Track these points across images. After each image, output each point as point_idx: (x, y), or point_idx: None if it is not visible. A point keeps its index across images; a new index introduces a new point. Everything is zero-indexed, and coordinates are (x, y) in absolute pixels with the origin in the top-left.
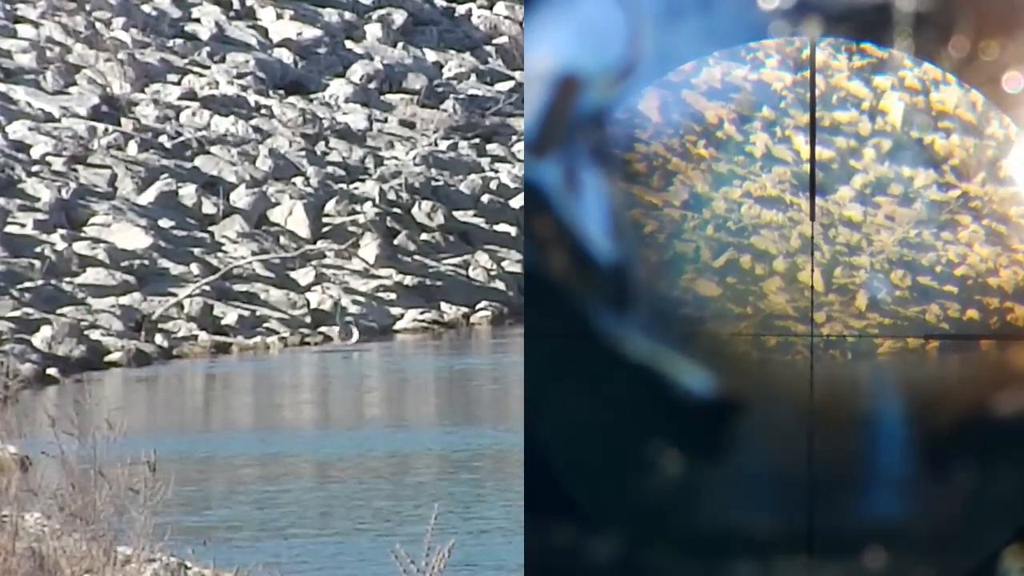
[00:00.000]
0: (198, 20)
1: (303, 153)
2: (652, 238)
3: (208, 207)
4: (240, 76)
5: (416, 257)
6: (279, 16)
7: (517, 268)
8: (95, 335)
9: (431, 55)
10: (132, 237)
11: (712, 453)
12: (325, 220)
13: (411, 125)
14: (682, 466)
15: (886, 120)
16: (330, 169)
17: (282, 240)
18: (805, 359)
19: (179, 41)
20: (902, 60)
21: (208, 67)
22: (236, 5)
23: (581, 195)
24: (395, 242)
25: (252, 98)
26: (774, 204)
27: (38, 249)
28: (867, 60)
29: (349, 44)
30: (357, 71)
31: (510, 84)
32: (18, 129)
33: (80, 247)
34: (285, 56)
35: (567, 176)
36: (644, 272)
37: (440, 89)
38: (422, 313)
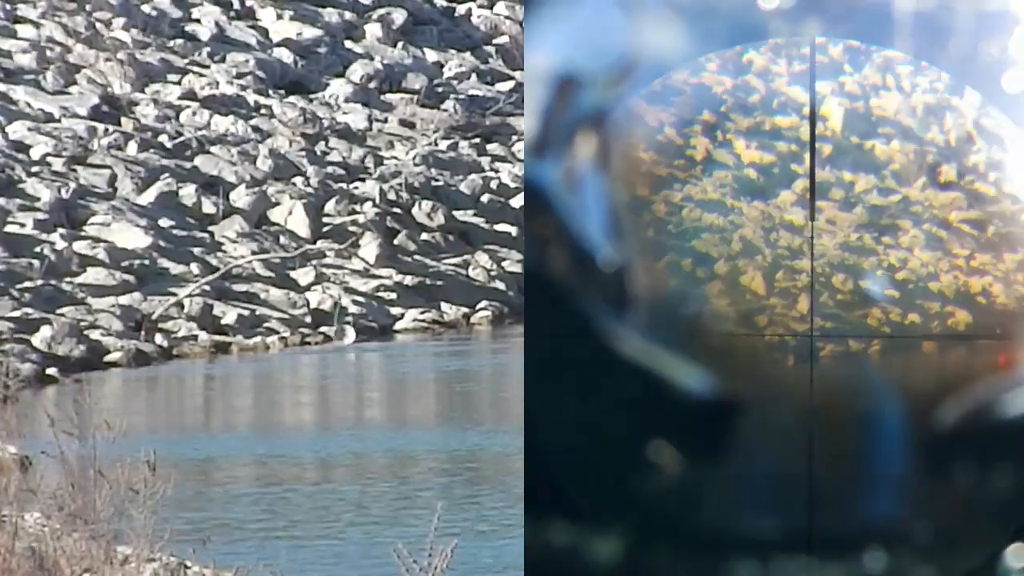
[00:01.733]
0: (198, 20)
1: (303, 153)
2: (650, 239)
3: (208, 207)
4: (240, 76)
5: (416, 257)
6: (279, 16)
7: (517, 268)
8: (95, 335)
9: (431, 55)
10: (132, 237)
11: (712, 453)
12: (325, 220)
13: (411, 125)
14: (682, 466)
15: (827, 125)
16: (330, 169)
17: (282, 240)
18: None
19: (179, 41)
20: (842, 65)
21: (208, 67)
22: (236, 5)
23: (581, 195)
24: (395, 242)
25: (252, 98)
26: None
27: (38, 249)
28: (806, 65)
29: (349, 44)
30: (357, 71)
31: (510, 84)
32: (18, 129)
33: (80, 247)
34: (285, 56)
35: (567, 176)
36: (642, 272)
37: (440, 89)
38: (422, 313)
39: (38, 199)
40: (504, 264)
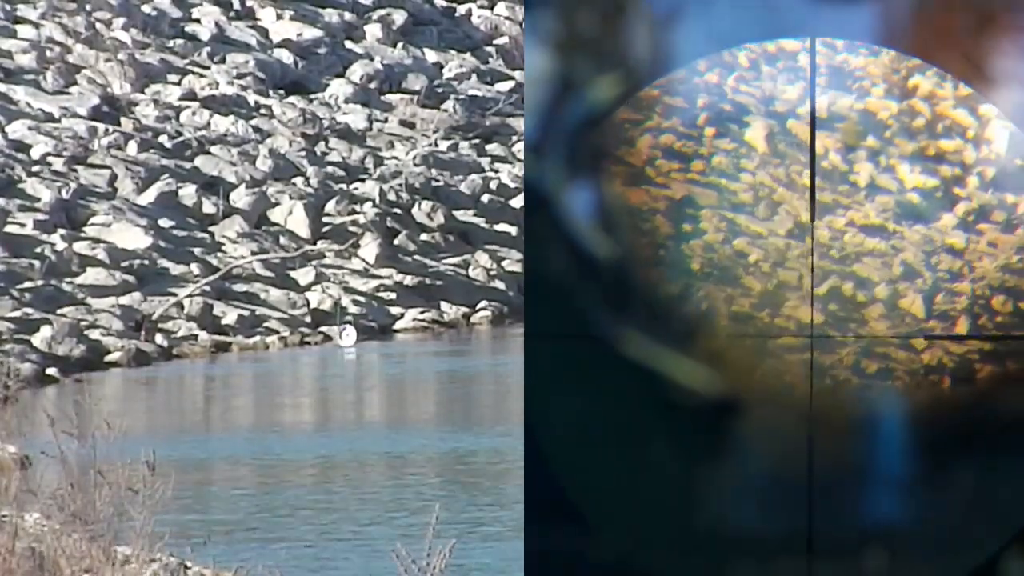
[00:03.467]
0: (198, 20)
1: (303, 153)
2: (650, 239)
3: (208, 207)
4: (240, 76)
5: (416, 257)
6: (279, 16)
7: (517, 268)
8: (95, 335)
9: (431, 55)
10: (132, 237)
11: (712, 454)
12: (325, 220)
13: (411, 125)
14: (682, 467)
15: (991, 148)
16: (330, 169)
17: (282, 240)
18: (804, 361)
19: (179, 41)
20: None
21: (208, 67)
22: (236, 5)
23: (581, 194)
24: (395, 242)
25: (252, 98)
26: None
27: (38, 249)
28: (971, 89)
29: (349, 44)
30: (357, 71)
31: (510, 84)
32: (18, 129)
33: (80, 247)
34: (285, 56)
35: (567, 176)
36: (642, 273)
37: (440, 89)
38: (422, 313)
39: (38, 199)
40: (504, 264)
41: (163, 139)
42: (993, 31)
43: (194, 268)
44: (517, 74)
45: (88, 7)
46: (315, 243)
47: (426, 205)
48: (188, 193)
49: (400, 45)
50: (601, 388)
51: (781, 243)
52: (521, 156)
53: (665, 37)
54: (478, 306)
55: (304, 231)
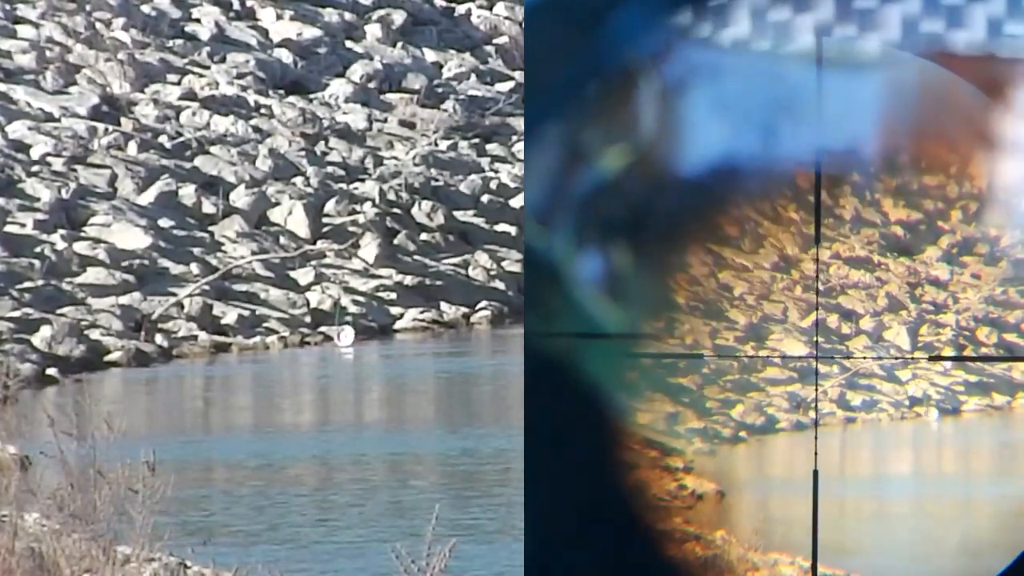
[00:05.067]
0: (198, 20)
1: (303, 153)
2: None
3: (208, 207)
4: (240, 76)
5: (416, 257)
6: (279, 16)
7: (517, 268)
8: (95, 335)
9: (431, 55)
10: (132, 237)
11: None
12: (325, 220)
13: (411, 125)
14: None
15: (973, 183)
16: (330, 169)
17: (282, 240)
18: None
19: (179, 41)
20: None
21: (208, 67)
22: (236, 5)
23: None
24: (395, 242)
25: (252, 98)
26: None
27: (38, 249)
28: None
29: (349, 44)
30: (357, 71)
31: (510, 84)
32: (18, 129)
33: (80, 247)
34: (285, 56)
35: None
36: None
37: (440, 89)
38: (422, 313)
39: (38, 199)
40: (504, 264)
41: (163, 139)
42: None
43: (194, 268)
44: (517, 74)
45: (88, 7)
46: (315, 243)
47: (426, 205)
48: (188, 193)
49: (400, 45)
50: (601, 388)
51: (767, 276)
52: (521, 156)
53: (674, 106)
54: (478, 306)
55: (304, 231)
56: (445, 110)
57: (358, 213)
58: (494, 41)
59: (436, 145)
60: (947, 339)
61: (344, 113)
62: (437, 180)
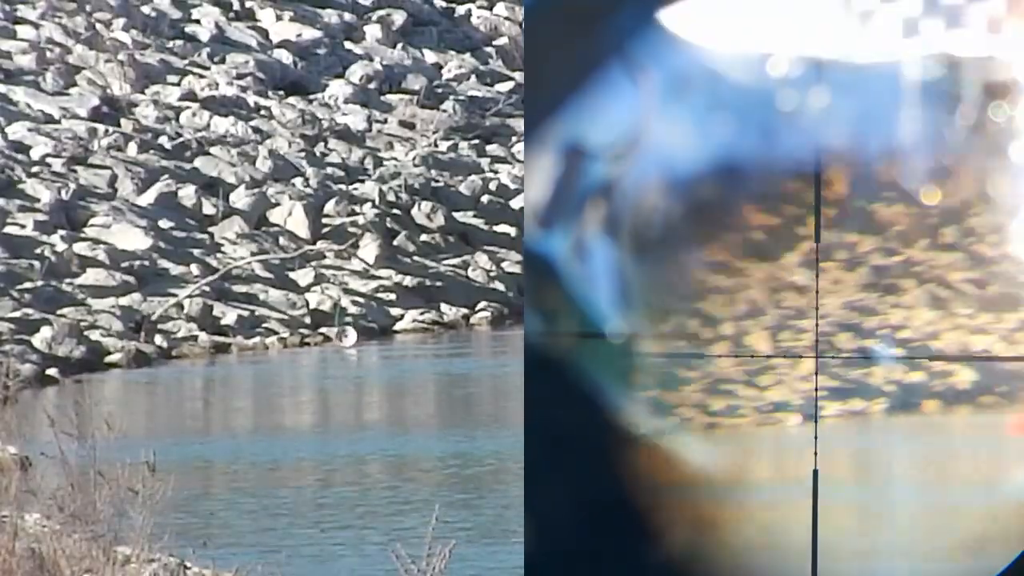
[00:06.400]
0: (198, 21)
1: (303, 154)
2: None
3: (208, 208)
4: (240, 77)
5: (416, 258)
6: (279, 17)
7: (517, 269)
8: (95, 336)
9: (431, 56)
10: (132, 238)
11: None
12: (325, 221)
13: (411, 126)
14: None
15: (832, 189)
16: (330, 170)
17: (282, 241)
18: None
19: (179, 42)
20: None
21: (208, 68)
22: (236, 6)
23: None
24: (395, 243)
25: (252, 99)
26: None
27: (38, 250)
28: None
29: (349, 45)
30: (357, 72)
31: (510, 85)
32: (18, 130)
33: (80, 248)
34: (285, 57)
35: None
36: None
37: (440, 90)
38: (422, 314)
39: (38, 200)
40: (504, 265)
41: (163, 140)
42: None
43: (194, 269)
44: (517, 75)
45: (88, 8)
46: (315, 244)
47: (426, 206)
48: (188, 194)
49: (400, 46)
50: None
51: (765, 276)
52: (521, 157)
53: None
54: (478, 307)
55: (304, 232)
56: (445, 111)
57: (358, 214)
58: (494, 42)
59: (436, 146)
60: (807, 344)
61: (344, 114)
62: (437, 181)
